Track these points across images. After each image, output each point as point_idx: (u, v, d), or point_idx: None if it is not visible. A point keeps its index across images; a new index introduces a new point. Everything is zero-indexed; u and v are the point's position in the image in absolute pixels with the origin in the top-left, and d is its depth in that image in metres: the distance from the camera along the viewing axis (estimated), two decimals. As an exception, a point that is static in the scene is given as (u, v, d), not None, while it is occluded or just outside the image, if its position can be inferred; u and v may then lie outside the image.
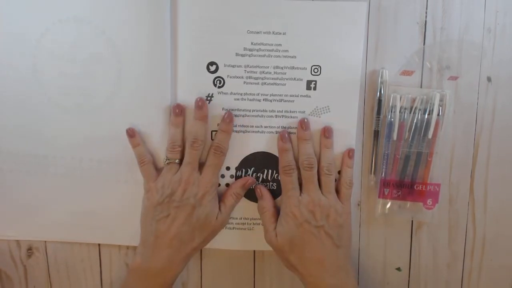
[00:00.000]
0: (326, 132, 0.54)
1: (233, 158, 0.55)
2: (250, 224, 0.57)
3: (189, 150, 0.52)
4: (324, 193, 0.53)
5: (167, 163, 0.53)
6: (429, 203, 0.55)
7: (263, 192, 0.55)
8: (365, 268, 0.59)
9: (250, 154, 0.55)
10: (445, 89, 0.54)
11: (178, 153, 0.53)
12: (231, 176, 0.55)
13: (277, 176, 0.55)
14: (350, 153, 0.54)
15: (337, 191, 0.54)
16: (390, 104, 0.54)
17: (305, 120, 0.53)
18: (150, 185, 0.53)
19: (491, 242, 0.58)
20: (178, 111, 0.53)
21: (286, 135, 0.54)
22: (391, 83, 0.54)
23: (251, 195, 0.56)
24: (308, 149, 0.53)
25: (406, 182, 0.55)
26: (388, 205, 0.56)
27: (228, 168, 0.55)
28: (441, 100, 0.53)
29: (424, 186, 0.55)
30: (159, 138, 0.54)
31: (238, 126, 0.54)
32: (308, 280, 0.52)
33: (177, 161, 0.53)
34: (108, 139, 0.54)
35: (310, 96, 0.54)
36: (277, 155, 0.55)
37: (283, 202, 0.54)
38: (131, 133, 0.53)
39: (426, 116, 0.54)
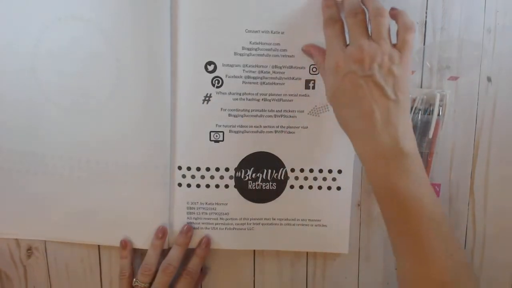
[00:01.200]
0: None
1: (232, 159, 0.55)
2: (250, 224, 0.57)
3: (161, 275, 0.54)
4: (375, 40, 0.45)
5: (135, 285, 0.54)
6: (429, 203, 0.55)
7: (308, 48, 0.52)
8: (365, 269, 0.59)
9: (249, 155, 0.55)
10: (445, 89, 0.54)
11: (148, 276, 0.54)
12: (230, 177, 0.55)
13: (277, 176, 0.55)
14: None
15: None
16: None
17: None
18: None
19: (491, 242, 0.57)
20: (160, 235, 0.54)
21: None
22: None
23: (250, 194, 0.56)
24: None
25: (406, 182, 0.55)
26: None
27: (227, 169, 0.55)
28: (441, 100, 0.53)
29: (424, 186, 0.55)
30: (158, 138, 0.54)
31: (237, 126, 0.54)
32: (355, 142, 0.47)
33: (146, 284, 0.54)
34: (107, 139, 0.54)
35: (309, 95, 0.54)
36: (276, 154, 0.55)
37: (326, 56, 0.48)
38: (124, 245, 0.56)
39: (426, 116, 0.53)
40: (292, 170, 0.55)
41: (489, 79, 0.54)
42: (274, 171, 0.55)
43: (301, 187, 0.56)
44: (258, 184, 0.56)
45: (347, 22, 0.47)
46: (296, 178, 0.55)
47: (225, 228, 0.56)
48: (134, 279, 0.55)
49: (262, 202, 0.56)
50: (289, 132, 0.54)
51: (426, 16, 0.54)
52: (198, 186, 0.55)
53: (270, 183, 0.56)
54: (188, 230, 0.55)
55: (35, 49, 0.52)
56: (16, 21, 0.52)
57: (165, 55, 0.52)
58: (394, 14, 0.48)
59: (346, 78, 0.45)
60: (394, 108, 0.45)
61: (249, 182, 0.56)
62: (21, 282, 0.59)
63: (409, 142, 0.45)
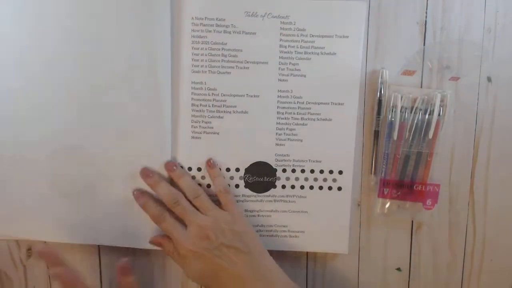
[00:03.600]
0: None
1: (233, 159, 0.55)
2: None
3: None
4: (205, 213, 0.52)
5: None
6: (429, 203, 0.55)
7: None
8: (365, 269, 0.59)
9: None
10: (445, 89, 0.54)
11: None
12: (231, 178, 0.55)
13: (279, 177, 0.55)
14: (209, 163, 0.54)
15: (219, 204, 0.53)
16: (391, 104, 0.54)
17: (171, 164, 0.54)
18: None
19: (491, 242, 0.57)
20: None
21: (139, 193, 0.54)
22: (391, 83, 0.54)
23: (251, 195, 0.56)
24: (163, 188, 0.53)
25: (406, 182, 0.55)
26: (388, 205, 0.56)
27: (228, 170, 0.55)
28: (442, 100, 0.53)
29: (423, 186, 0.55)
30: (159, 138, 0.54)
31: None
32: None
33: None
34: (107, 139, 0.54)
35: (310, 96, 0.54)
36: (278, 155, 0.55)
37: (175, 246, 0.52)
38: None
39: (426, 116, 0.53)
40: (293, 170, 0.55)
41: (489, 79, 0.54)
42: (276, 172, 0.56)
43: (302, 187, 0.56)
44: (259, 185, 0.56)
45: (174, 211, 0.52)
46: (297, 178, 0.55)
47: None
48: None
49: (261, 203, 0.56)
50: (292, 134, 0.55)
51: (426, 16, 0.54)
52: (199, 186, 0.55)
53: (272, 183, 0.56)
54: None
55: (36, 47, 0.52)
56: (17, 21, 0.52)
57: (165, 53, 0.52)
58: (212, 181, 0.54)
59: (204, 258, 0.50)
60: (255, 260, 0.51)
61: (250, 183, 0.56)
62: (21, 282, 0.59)
63: (277, 271, 0.52)
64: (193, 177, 0.55)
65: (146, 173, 0.53)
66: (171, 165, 0.53)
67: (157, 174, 0.53)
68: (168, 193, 0.52)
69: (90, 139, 0.54)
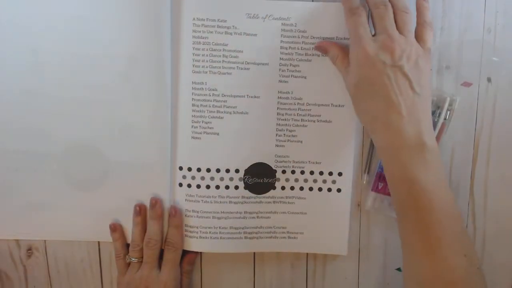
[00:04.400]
0: None
1: (234, 160, 0.55)
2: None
3: (145, 250, 0.55)
4: (402, 33, 0.46)
5: (129, 261, 0.56)
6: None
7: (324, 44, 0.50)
8: (365, 269, 0.59)
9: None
10: (456, 94, 0.54)
11: (137, 252, 0.56)
12: (231, 179, 0.55)
13: (278, 178, 0.55)
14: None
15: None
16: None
17: None
18: (119, 280, 0.57)
19: (491, 242, 0.58)
20: (138, 209, 0.56)
21: None
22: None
23: (251, 197, 0.56)
24: None
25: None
26: (381, 201, 0.56)
27: (227, 171, 0.55)
28: (450, 104, 0.53)
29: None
30: (159, 139, 0.54)
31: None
32: (377, 134, 0.47)
33: (140, 259, 0.55)
34: (107, 139, 0.55)
35: (310, 96, 0.54)
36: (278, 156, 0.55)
37: (351, 45, 0.47)
38: (113, 228, 0.56)
39: (432, 118, 0.53)
40: (293, 172, 0.55)
41: (489, 79, 0.54)
42: (275, 172, 0.56)
43: (301, 188, 0.56)
44: (259, 186, 0.56)
45: (375, 13, 0.46)
46: (296, 180, 0.55)
47: (220, 238, 0.56)
48: (127, 256, 0.56)
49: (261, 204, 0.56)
50: (292, 136, 0.55)
51: (426, 16, 0.53)
52: (198, 186, 0.55)
53: (271, 185, 0.56)
54: (155, 202, 0.55)
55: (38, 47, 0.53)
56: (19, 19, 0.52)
57: (166, 55, 0.52)
58: (418, 10, 0.48)
59: (375, 67, 0.45)
60: (419, 102, 0.45)
61: (250, 184, 0.56)
62: (21, 282, 0.59)
63: (432, 137, 0.45)
64: (193, 177, 0.55)
65: None
66: None
67: None
68: None
69: (92, 139, 0.55)
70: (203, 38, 0.52)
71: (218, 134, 0.54)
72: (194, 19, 0.52)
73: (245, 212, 0.56)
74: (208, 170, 0.55)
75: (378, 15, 0.46)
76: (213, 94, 0.53)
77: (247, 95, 0.54)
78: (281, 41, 0.53)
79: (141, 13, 0.52)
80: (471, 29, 0.54)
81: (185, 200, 0.55)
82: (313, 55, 0.53)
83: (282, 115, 0.54)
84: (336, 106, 0.54)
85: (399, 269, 0.59)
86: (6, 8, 0.52)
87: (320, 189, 0.56)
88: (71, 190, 0.56)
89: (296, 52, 0.53)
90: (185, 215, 0.56)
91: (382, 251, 0.58)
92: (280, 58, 0.53)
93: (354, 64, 0.47)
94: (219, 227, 0.56)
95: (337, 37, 0.52)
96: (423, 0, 0.49)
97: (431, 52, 0.48)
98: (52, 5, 0.52)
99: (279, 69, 0.53)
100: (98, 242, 0.58)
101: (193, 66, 0.53)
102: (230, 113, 0.54)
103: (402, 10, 0.46)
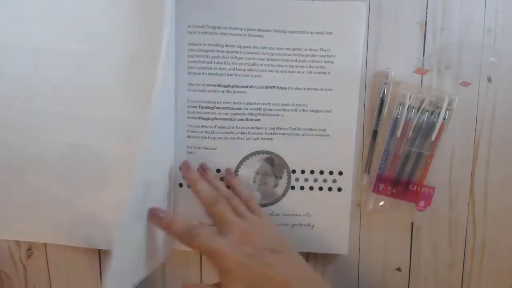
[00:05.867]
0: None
1: (234, 160, 0.55)
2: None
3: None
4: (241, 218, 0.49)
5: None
6: (422, 204, 0.55)
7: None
8: (365, 269, 0.59)
9: (251, 155, 0.55)
10: (456, 94, 0.54)
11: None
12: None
13: (279, 177, 0.55)
14: (227, 172, 0.54)
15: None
16: (399, 101, 0.54)
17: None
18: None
19: (491, 242, 0.57)
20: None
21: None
22: (401, 81, 0.54)
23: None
24: (205, 185, 0.51)
25: (402, 181, 0.55)
26: (382, 203, 0.56)
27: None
28: (449, 104, 0.53)
29: (419, 187, 0.55)
30: (160, 138, 0.54)
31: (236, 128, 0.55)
32: None
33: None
34: (108, 142, 0.55)
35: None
36: (279, 156, 0.55)
37: (213, 261, 0.46)
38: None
39: (432, 118, 0.53)
40: (293, 171, 0.55)
41: (489, 79, 0.54)
42: (275, 172, 0.56)
43: (302, 188, 0.56)
44: (259, 186, 0.56)
45: (211, 212, 0.49)
46: (297, 179, 0.56)
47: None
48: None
49: (264, 206, 0.56)
50: (294, 134, 0.55)
51: (426, 16, 0.53)
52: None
53: (272, 184, 0.56)
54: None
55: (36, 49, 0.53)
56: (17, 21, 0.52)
57: (169, 55, 0.52)
58: (233, 190, 0.53)
59: (248, 266, 0.44)
60: (293, 262, 0.48)
61: (251, 183, 0.56)
62: (21, 282, 0.59)
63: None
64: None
65: (187, 166, 0.52)
66: (203, 168, 0.53)
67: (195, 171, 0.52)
68: (210, 191, 0.50)
69: (92, 139, 0.55)
70: (198, 42, 0.53)
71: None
72: (189, 26, 0.52)
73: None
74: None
75: (216, 214, 0.48)
76: (211, 94, 0.54)
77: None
78: (280, 41, 0.53)
79: (141, 13, 0.52)
80: (471, 29, 0.54)
81: (185, 201, 0.55)
82: (312, 54, 0.53)
83: (282, 115, 0.54)
84: (336, 104, 0.54)
85: (399, 269, 0.59)
86: (6, 8, 0.52)
87: (320, 189, 0.56)
88: (70, 192, 0.56)
89: (295, 52, 0.53)
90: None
91: (382, 251, 0.58)
92: (280, 58, 0.53)
93: (230, 275, 0.44)
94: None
95: (336, 35, 0.53)
96: (231, 178, 0.53)
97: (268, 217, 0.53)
98: (51, 5, 0.52)
99: (279, 70, 0.53)
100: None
101: (188, 67, 0.53)
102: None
103: (231, 198, 0.50)
